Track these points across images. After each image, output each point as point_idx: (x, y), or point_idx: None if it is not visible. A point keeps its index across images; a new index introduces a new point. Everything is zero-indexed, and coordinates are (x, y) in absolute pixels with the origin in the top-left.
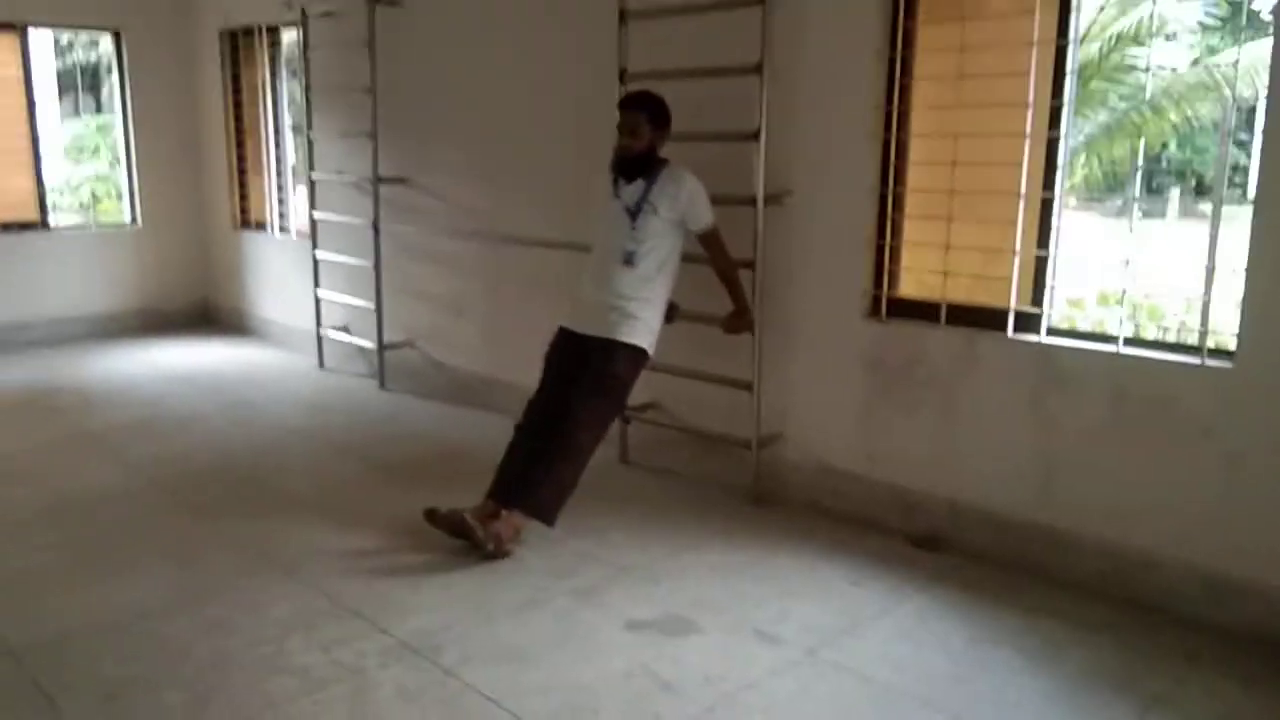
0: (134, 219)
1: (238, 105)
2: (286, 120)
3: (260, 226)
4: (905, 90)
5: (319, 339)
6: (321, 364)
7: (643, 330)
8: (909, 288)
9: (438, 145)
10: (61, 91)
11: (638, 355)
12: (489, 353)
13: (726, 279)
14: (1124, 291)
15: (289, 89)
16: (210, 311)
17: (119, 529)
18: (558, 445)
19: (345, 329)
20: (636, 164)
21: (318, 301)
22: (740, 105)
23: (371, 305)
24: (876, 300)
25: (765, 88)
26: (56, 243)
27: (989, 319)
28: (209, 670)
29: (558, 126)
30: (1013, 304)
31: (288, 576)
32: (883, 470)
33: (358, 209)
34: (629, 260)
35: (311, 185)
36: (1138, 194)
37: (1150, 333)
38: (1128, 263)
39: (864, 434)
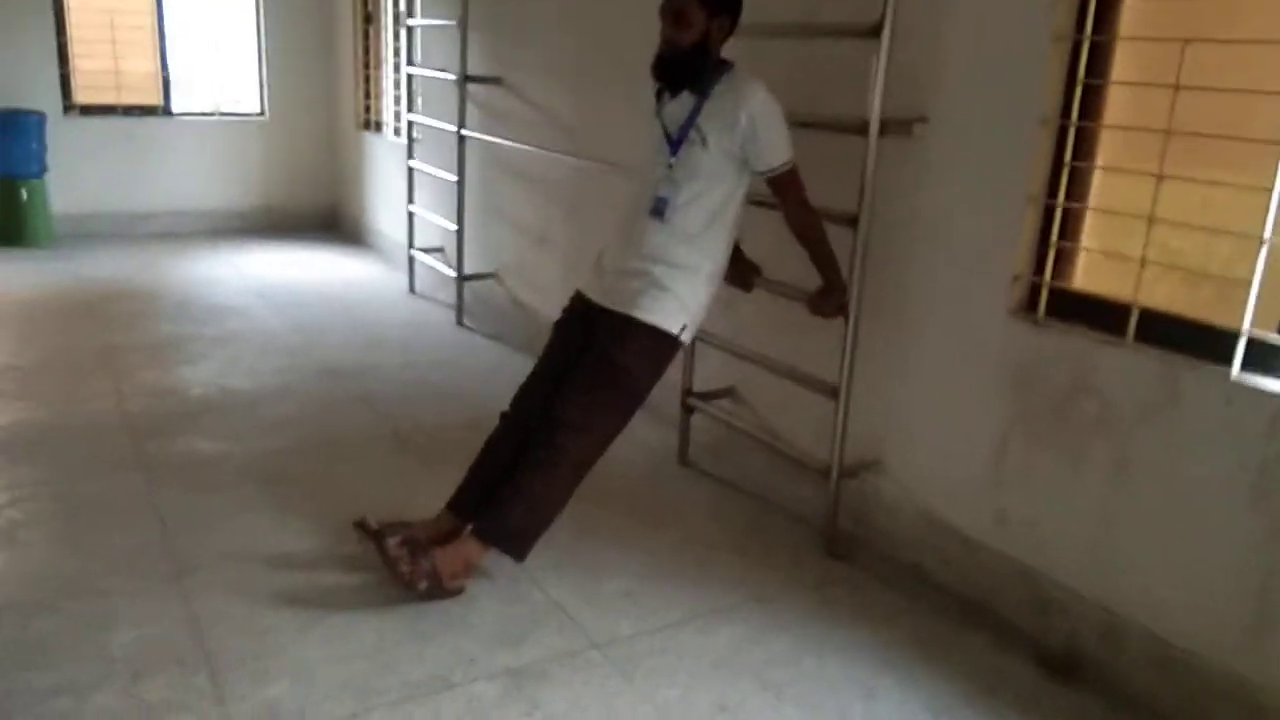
0: (262, 110)
1: None
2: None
3: (379, 128)
4: None
5: (410, 261)
6: (412, 288)
7: (672, 308)
8: (1087, 278)
9: (534, 39)
10: None
11: (661, 342)
12: (568, 295)
13: (807, 242)
14: None
15: None
16: (337, 218)
17: (37, 480)
18: (535, 453)
19: (441, 251)
20: (682, 67)
21: (410, 218)
22: None
23: (454, 226)
24: (1034, 290)
25: None
26: (180, 129)
27: (1204, 343)
28: None
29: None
30: (1246, 324)
31: (170, 584)
32: (1014, 541)
33: (453, 113)
34: (659, 210)
35: (409, 82)
36: None
37: None
38: None
39: (994, 482)
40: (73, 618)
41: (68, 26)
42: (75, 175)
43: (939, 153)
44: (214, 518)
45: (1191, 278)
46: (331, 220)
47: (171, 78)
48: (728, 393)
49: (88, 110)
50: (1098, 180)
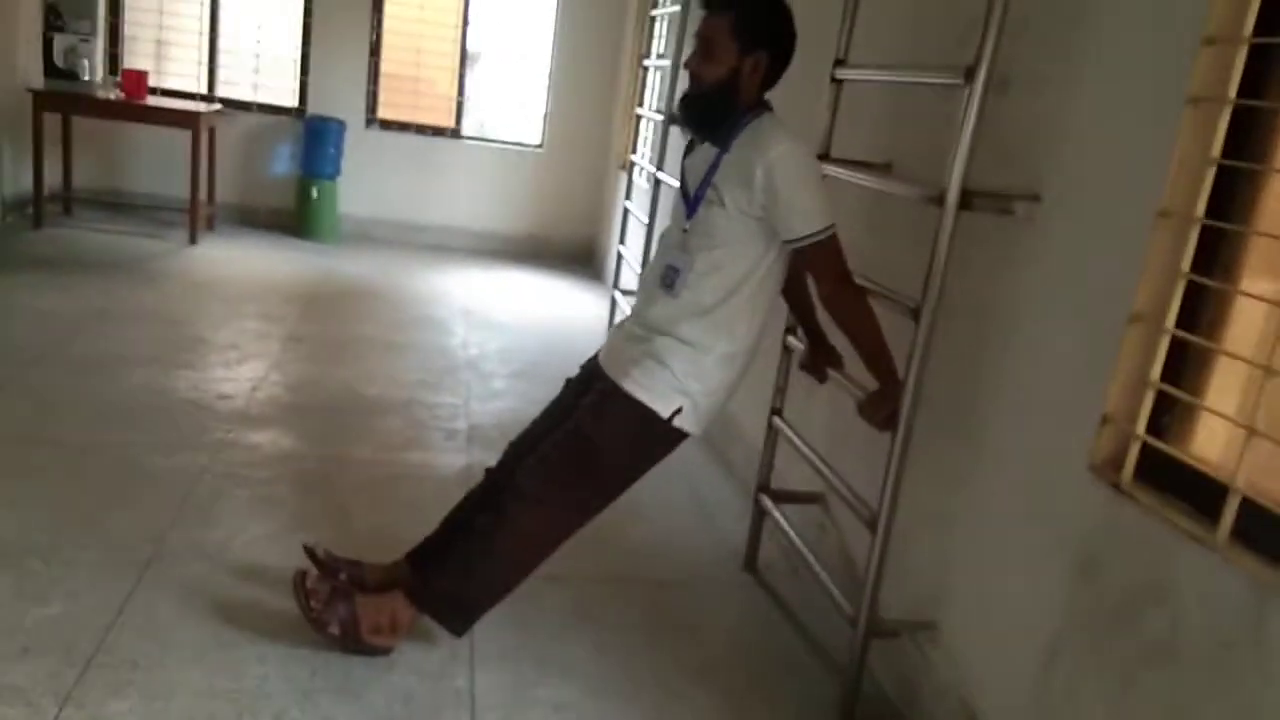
0: (541, 142)
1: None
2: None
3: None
4: None
5: (612, 301)
6: (611, 326)
7: (665, 386)
8: (1201, 439)
9: None
10: None
11: (646, 422)
12: None
13: (849, 334)
14: None
15: None
16: (592, 253)
17: (121, 443)
18: (482, 519)
19: None
20: (707, 109)
21: (619, 259)
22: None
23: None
24: (1122, 444)
25: None
26: (464, 152)
27: None
28: None
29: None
30: None
31: (134, 568)
32: None
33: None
34: (668, 282)
35: (637, 123)
36: None
37: None
38: None
39: (1040, 690)
40: (24, 579)
41: (382, 48)
42: (365, 181)
43: (1048, 242)
44: (230, 512)
45: None
46: (588, 254)
47: (465, 103)
48: (816, 499)
49: (386, 125)
50: (1243, 309)
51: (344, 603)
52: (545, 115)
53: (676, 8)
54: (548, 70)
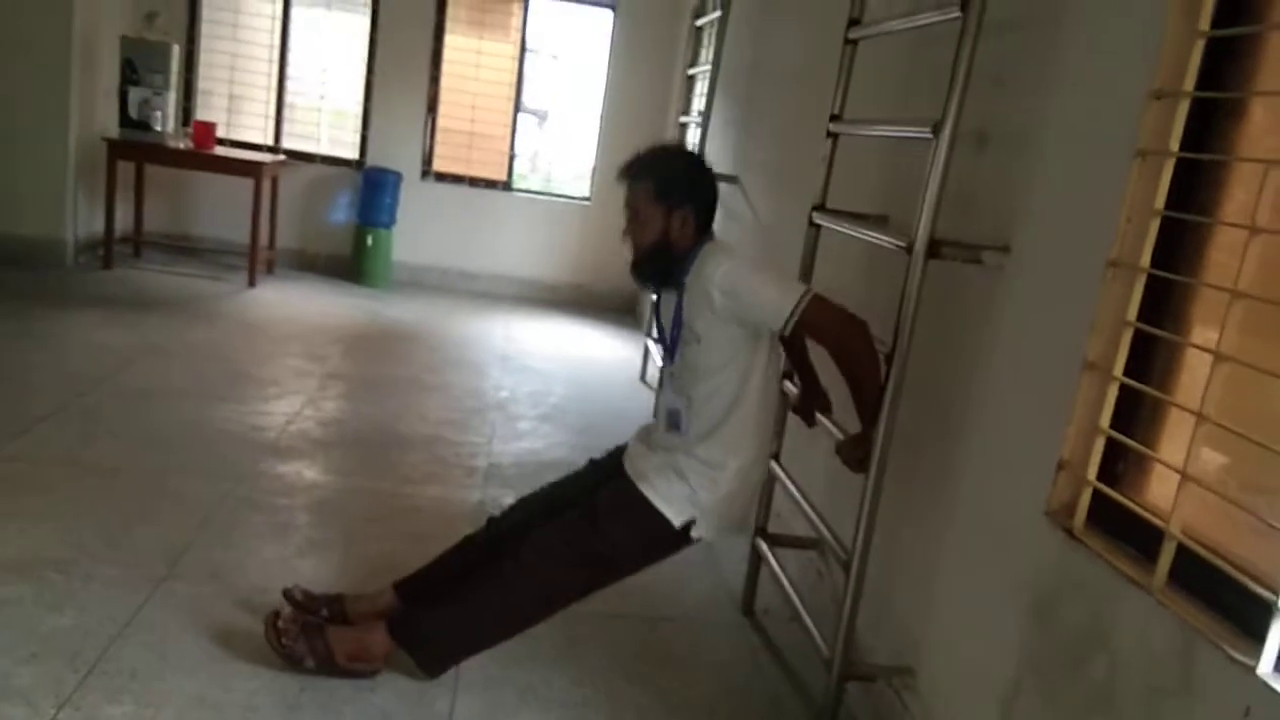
0: (589, 195)
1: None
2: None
3: None
4: (1242, 51)
5: (645, 350)
6: (643, 376)
7: (681, 498)
8: (1153, 486)
9: (768, 140)
10: None
11: (657, 528)
12: None
13: (855, 376)
14: None
15: None
16: (636, 303)
17: (159, 468)
18: (483, 576)
19: None
20: (654, 268)
21: (650, 305)
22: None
23: None
24: (1076, 491)
25: (970, 39)
26: (515, 204)
27: (1237, 609)
28: None
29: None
30: None
31: (149, 584)
32: None
33: None
34: (673, 424)
35: None
36: None
37: None
38: None
39: None
40: (43, 590)
41: (439, 105)
42: (419, 231)
43: (1015, 291)
44: (246, 536)
45: (1237, 510)
46: (631, 304)
47: (517, 157)
48: (813, 544)
49: (441, 177)
50: (1193, 357)
51: (316, 637)
52: (594, 169)
53: (708, 66)
54: (597, 127)
